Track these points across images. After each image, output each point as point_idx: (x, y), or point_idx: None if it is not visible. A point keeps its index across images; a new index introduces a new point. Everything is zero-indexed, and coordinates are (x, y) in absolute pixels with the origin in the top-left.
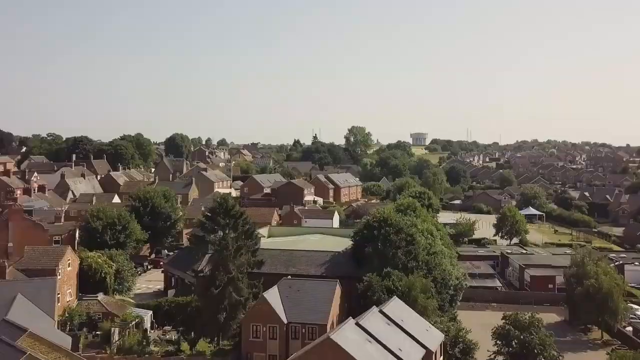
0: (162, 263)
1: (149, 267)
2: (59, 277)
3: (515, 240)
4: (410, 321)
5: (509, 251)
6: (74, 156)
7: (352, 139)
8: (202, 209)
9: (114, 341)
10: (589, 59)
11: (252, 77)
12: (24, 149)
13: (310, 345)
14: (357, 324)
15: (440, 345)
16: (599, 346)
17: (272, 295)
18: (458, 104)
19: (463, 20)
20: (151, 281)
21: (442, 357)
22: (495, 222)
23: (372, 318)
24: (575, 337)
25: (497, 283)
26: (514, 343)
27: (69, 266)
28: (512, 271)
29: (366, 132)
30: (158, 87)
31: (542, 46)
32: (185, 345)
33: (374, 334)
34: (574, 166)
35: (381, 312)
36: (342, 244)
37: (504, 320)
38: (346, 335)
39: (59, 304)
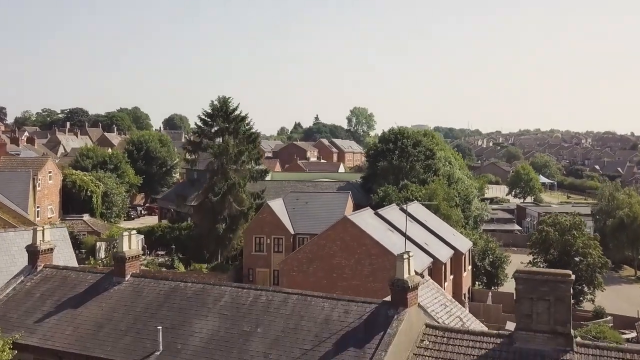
0: (156, 207)
1: (143, 212)
2: (38, 189)
3: (529, 199)
4: (434, 223)
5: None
6: (68, 124)
7: (354, 120)
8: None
9: (99, 257)
10: (589, 51)
11: (252, 68)
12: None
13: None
14: (377, 214)
15: (469, 251)
16: (634, 281)
17: (277, 206)
18: (458, 96)
19: (461, 17)
20: (144, 224)
21: (470, 266)
22: (508, 182)
23: (392, 212)
24: (607, 275)
25: (515, 227)
26: (552, 250)
27: (50, 179)
28: (530, 221)
29: (368, 113)
30: (156, 78)
31: (543, 38)
32: (180, 266)
33: (395, 224)
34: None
35: (401, 209)
36: None
37: (542, 226)
38: (365, 219)
39: (38, 219)
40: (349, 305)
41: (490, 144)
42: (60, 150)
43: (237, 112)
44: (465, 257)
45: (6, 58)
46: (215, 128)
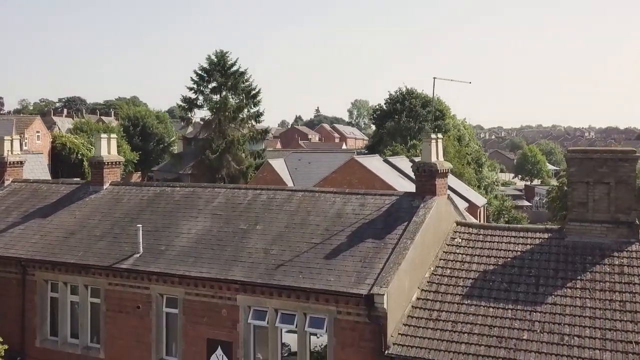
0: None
1: None
2: (25, 149)
3: (536, 182)
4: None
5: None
6: (65, 110)
7: (355, 113)
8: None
9: None
10: (591, 49)
11: (251, 62)
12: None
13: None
14: (386, 160)
15: (484, 208)
16: None
17: (279, 165)
18: (459, 93)
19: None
20: None
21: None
22: (514, 166)
23: (401, 161)
24: None
25: (525, 203)
26: None
27: (38, 139)
28: (539, 200)
29: (370, 105)
30: (156, 72)
31: (545, 35)
32: None
33: (405, 172)
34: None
35: (412, 160)
36: None
37: (562, 179)
38: (373, 163)
39: None
40: (364, 198)
41: (493, 137)
42: (55, 130)
43: (235, 67)
44: (480, 212)
45: (5, 51)
46: (213, 84)
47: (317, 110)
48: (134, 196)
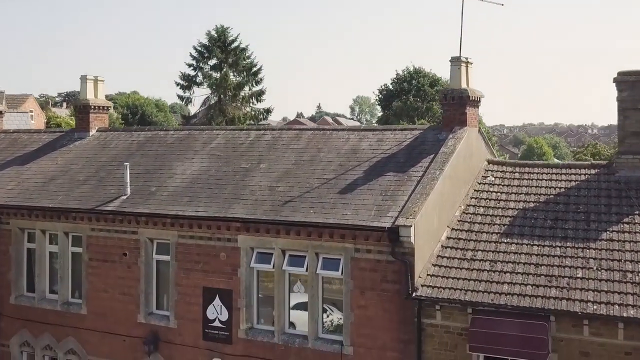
0: None
1: None
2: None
3: None
4: None
5: None
6: (64, 104)
7: (357, 109)
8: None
9: None
10: (592, 48)
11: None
12: None
13: None
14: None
15: None
16: None
17: None
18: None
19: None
20: None
21: None
22: (519, 159)
23: None
24: None
25: None
26: None
27: (31, 118)
28: None
29: (372, 101)
30: (154, 68)
31: (544, 30)
32: None
33: None
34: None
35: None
36: None
37: (578, 155)
38: None
39: None
40: (382, 134)
41: (495, 133)
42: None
43: (236, 43)
44: None
45: (4, 48)
46: (213, 61)
47: (319, 107)
48: (123, 141)
